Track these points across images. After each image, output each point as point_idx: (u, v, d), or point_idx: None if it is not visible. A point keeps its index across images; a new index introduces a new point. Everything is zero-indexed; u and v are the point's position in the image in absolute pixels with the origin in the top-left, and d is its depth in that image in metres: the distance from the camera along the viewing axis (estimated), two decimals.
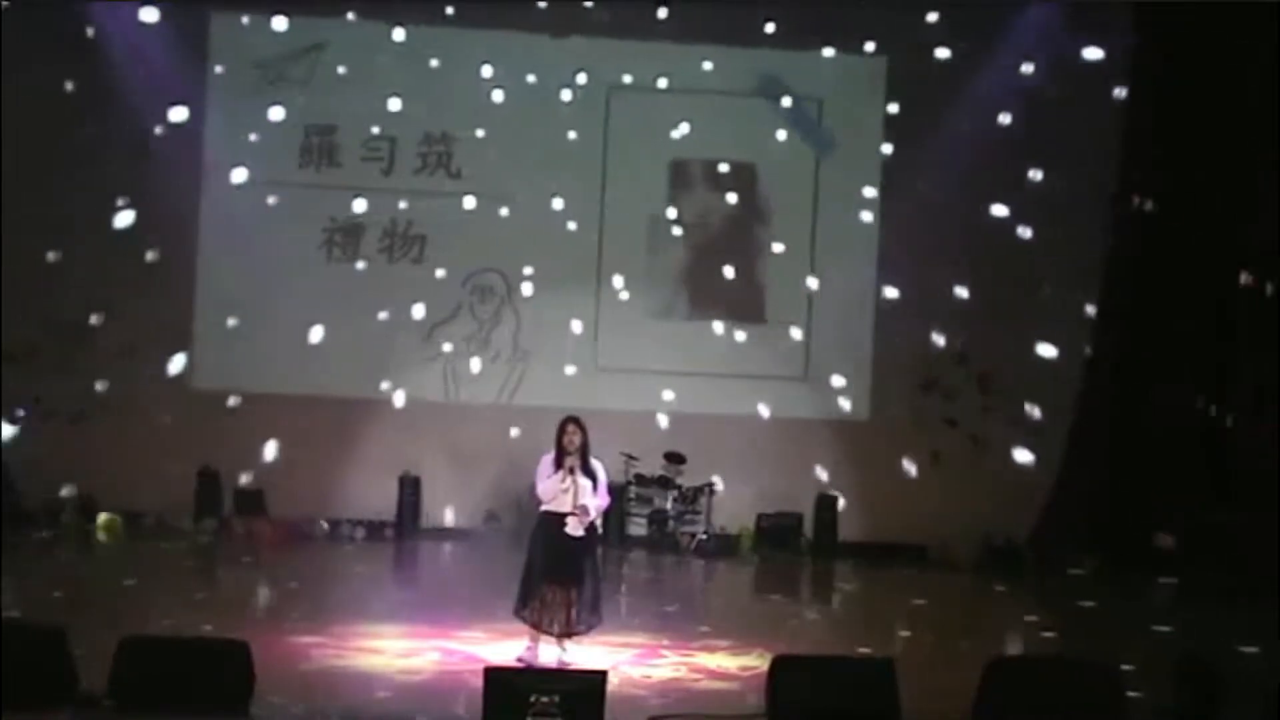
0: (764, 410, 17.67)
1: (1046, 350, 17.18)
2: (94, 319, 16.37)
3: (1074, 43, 16.91)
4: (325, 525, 16.89)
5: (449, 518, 17.37)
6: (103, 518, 16.20)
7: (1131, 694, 8.99)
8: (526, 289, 17.68)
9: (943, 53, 17.15)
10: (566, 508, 10.03)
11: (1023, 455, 17.18)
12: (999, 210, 17.09)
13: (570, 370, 17.50)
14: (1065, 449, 17.42)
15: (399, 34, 16.94)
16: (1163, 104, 16.85)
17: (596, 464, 10.25)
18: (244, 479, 16.76)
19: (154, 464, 16.34)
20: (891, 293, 17.63)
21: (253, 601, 13.08)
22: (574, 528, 10.03)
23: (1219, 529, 15.63)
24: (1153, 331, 16.90)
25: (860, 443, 17.65)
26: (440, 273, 17.58)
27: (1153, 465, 16.61)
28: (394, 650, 10.55)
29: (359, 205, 17.44)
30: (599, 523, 10.43)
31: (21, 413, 16.08)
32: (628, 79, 17.64)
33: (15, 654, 8.18)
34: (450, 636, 11.05)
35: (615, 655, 10.49)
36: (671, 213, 18.03)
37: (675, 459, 17.50)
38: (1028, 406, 17.20)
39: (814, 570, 17.01)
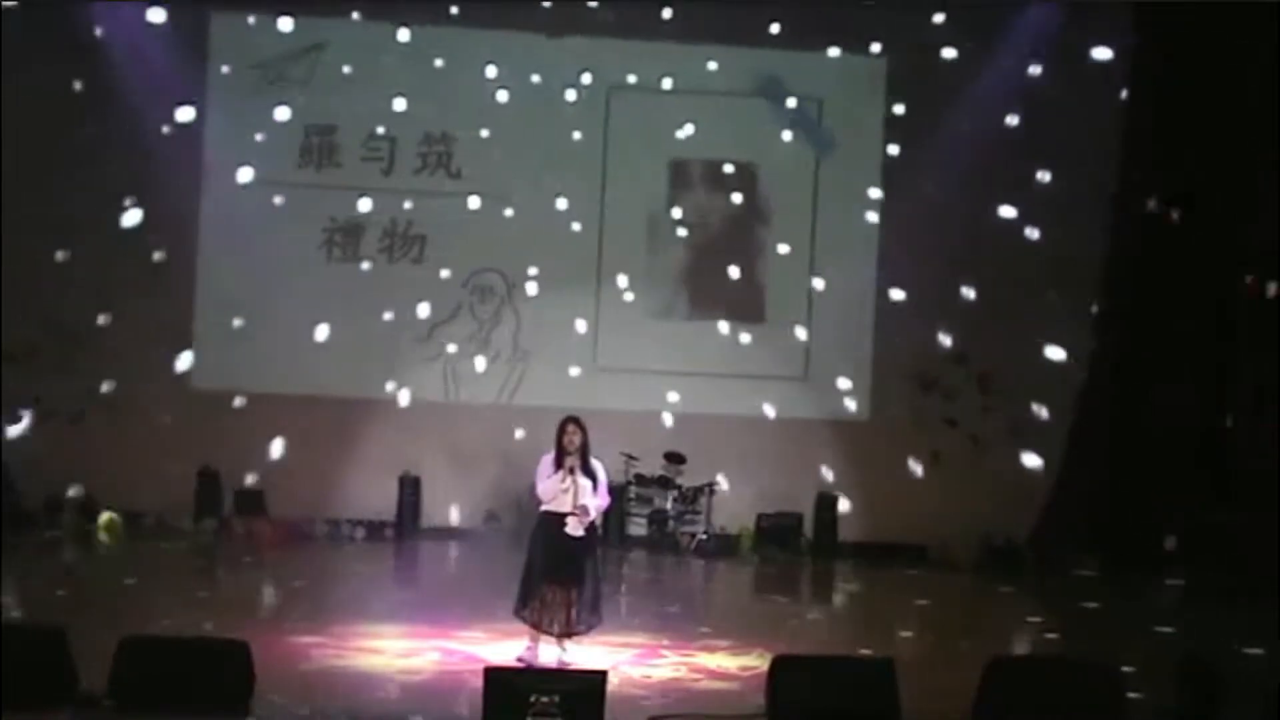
0: (764, 410, 17.66)
1: (1047, 350, 17.16)
2: (94, 319, 16.34)
3: (1074, 43, 16.90)
4: (325, 525, 16.92)
5: (449, 518, 17.37)
6: (103, 518, 16.19)
7: (1132, 695, 9.00)
8: (526, 289, 17.68)
9: (943, 53, 17.14)
10: (566, 508, 10.03)
11: (1023, 455, 17.16)
12: (999, 210, 17.08)
13: (570, 370, 17.50)
14: (1065, 449, 17.41)
15: (404, 34, 16.91)
16: (1163, 104, 16.85)
17: (596, 464, 10.25)
18: (246, 479, 16.74)
19: (154, 464, 16.35)
20: (892, 293, 17.62)
21: (253, 601, 13.07)
22: (574, 528, 10.03)
23: (1219, 529, 15.63)
24: (1153, 332, 16.91)
25: (860, 443, 17.66)
26: (440, 273, 17.58)
27: (1153, 465, 16.61)
28: (394, 650, 10.55)
29: (359, 205, 17.43)
30: (599, 523, 10.44)
31: (28, 413, 16.04)
32: (628, 79, 17.63)
33: (15, 654, 8.18)
34: (450, 636, 11.06)
35: (615, 655, 10.49)
36: (672, 213, 18.04)
37: (675, 459, 17.50)
38: (1028, 406, 17.19)
39: (814, 570, 17.01)
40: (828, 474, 17.67)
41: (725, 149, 17.95)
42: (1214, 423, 16.70)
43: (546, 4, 17.02)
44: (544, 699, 7.91)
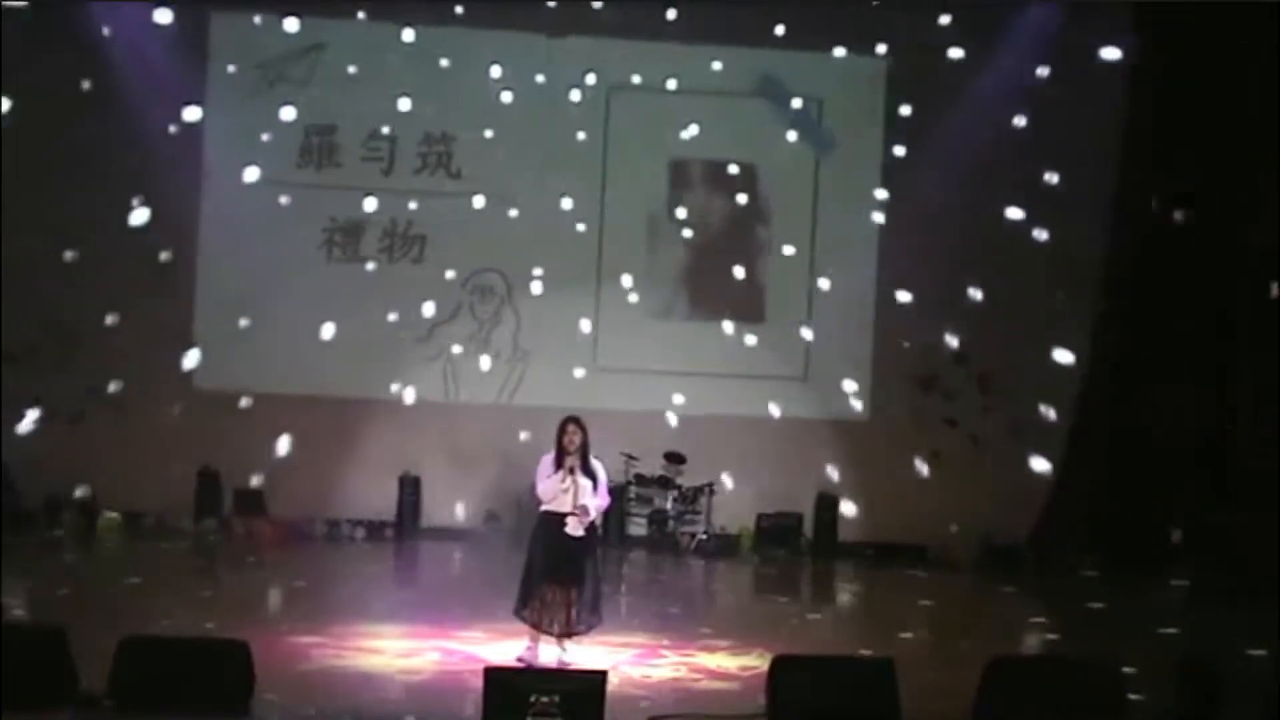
0: (764, 410, 17.65)
1: (1047, 350, 17.14)
2: (94, 319, 16.33)
3: (1074, 43, 16.88)
4: (325, 525, 16.92)
5: (449, 518, 17.35)
6: (103, 518, 16.18)
7: (1133, 697, 8.99)
8: (526, 289, 17.67)
9: (943, 53, 17.12)
10: (566, 508, 10.04)
11: (1022, 455, 17.14)
12: (999, 210, 17.06)
13: (570, 370, 17.48)
14: (1065, 449, 17.40)
15: (408, 34, 16.86)
16: (1163, 104, 16.84)
17: (596, 464, 10.26)
18: (244, 479, 16.73)
19: (154, 464, 16.35)
20: (892, 293, 17.61)
21: (253, 601, 13.06)
22: (574, 528, 10.04)
23: (1219, 529, 15.63)
24: (1153, 332, 16.90)
25: (860, 443, 17.65)
26: (440, 273, 17.57)
27: (1153, 465, 16.61)
28: (394, 650, 10.56)
29: (360, 205, 17.42)
30: (599, 523, 10.44)
31: (37, 412, 16.02)
32: (628, 79, 17.61)
33: (15, 654, 8.18)
34: (450, 636, 11.06)
35: (615, 655, 10.50)
36: (672, 213, 18.03)
37: (675, 459, 17.50)
38: (1028, 406, 17.18)
39: (814, 570, 17.02)
40: (828, 474, 17.67)
41: (725, 149, 17.93)
42: (1214, 422, 16.70)
43: (552, 4, 16.98)
44: (544, 699, 7.92)
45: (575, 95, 17.36)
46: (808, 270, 17.99)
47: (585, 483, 10.07)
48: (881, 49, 17.57)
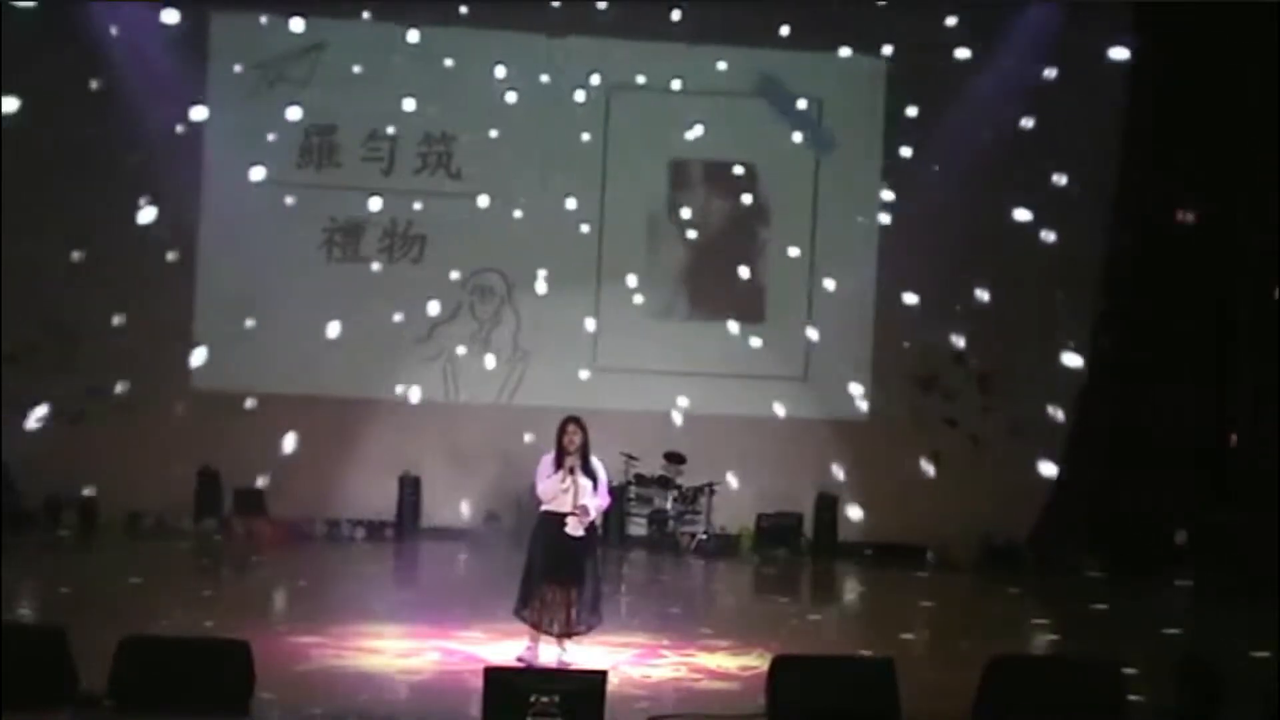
0: (764, 410, 17.65)
1: (1047, 350, 17.15)
2: (94, 319, 16.33)
3: (1074, 43, 16.88)
4: (325, 525, 16.92)
5: (449, 518, 17.35)
6: (103, 518, 16.19)
7: (1133, 698, 8.99)
8: (526, 289, 17.67)
9: (942, 53, 17.12)
10: (566, 508, 10.03)
11: (1022, 455, 17.15)
12: (999, 211, 17.06)
13: (570, 370, 17.48)
14: (1065, 449, 17.40)
15: (413, 35, 16.83)
16: (1163, 104, 16.84)
17: (597, 464, 10.25)
18: (244, 479, 16.73)
19: (154, 464, 16.34)
20: (892, 293, 17.62)
21: (253, 601, 13.06)
22: (574, 528, 10.03)
23: (1219, 529, 15.64)
24: (1153, 332, 16.90)
25: (860, 443, 17.65)
26: (440, 273, 17.57)
27: (1153, 465, 16.60)
28: (394, 650, 10.55)
29: (360, 205, 17.42)
30: (599, 523, 10.44)
31: (44, 409, 16.02)
32: (628, 79, 17.61)
33: (15, 654, 8.18)
34: (450, 636, 11.06)
35: (615, 655, 10.50)
36: (672, 213, 18.04)
37: (675, 459, 17.50)
38: (1028, 406, 17.18)
39: (814, 570, 17.01)
40: (828, 474, 17.66)
41: (725, 149, 17.93)
42: (1214, 422, 16.70)
43: (556, 3, 16.97)
44: (544, 699, 7.92)
45: (580, 96, 17.34)
46: (808, 270, 17.99)
47: (585, 483, 10.07)
48: (880, 49, 17.54)
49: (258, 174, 16.72)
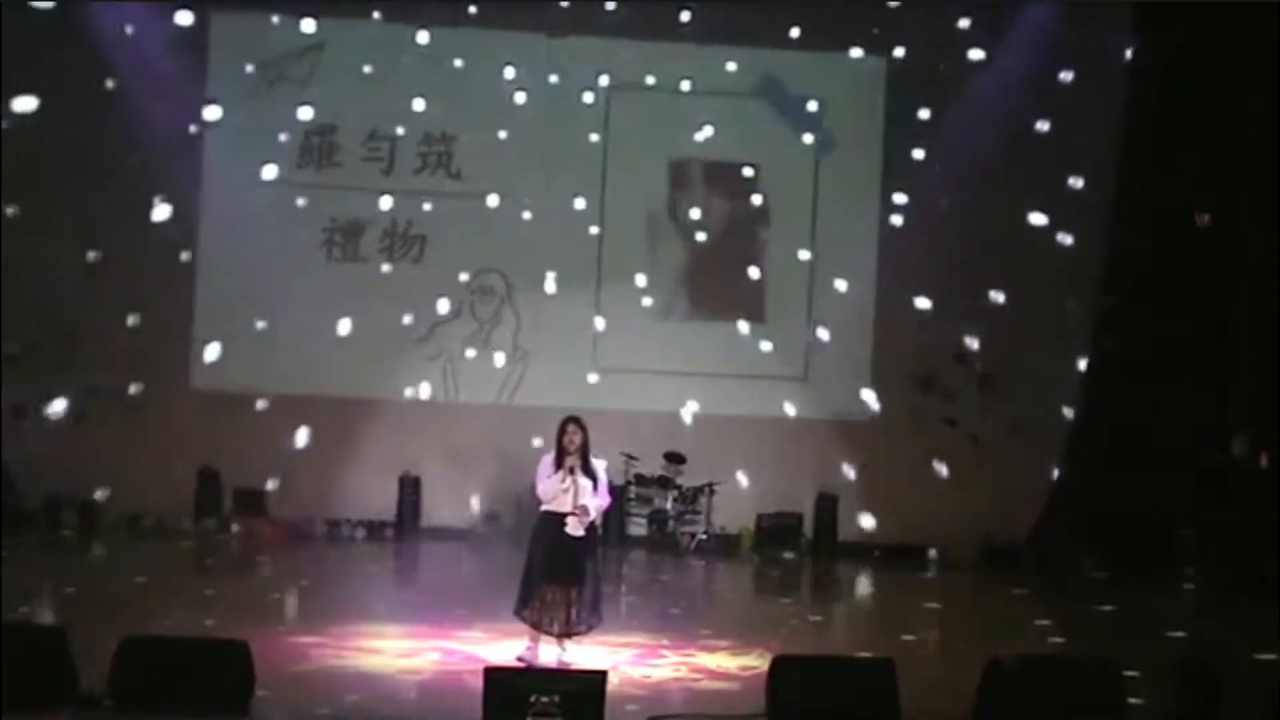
0: (764, 410, 17.65)
1: (1047, 350, 17.16)
2: (95, 319, 16.33)
3: (1075, 43, 16.88)
4: (325, 525, 16.92)
5: (449, 518, 17.35)
6: (103, 518, 16.18)
7: (1133, 699, 8.99)
8: (526, 289, 17.67)
9: (943, 53, 17.12)
10: (567, 508, 10.03)
11: (1023, 455, 17.15)
12: (999, 210, 17.07)
13: (570, 370, 17.48)
14: (1065, 449, 17.41)
15: (423, 37, 16.74)
16: (1163, 104, 16.84)
17: (597, 464, 10.24)
18: (244, 479, 16.74)
19: (154, 464, 16.34)
20: (892, 293, 17.61)
21: (253, 601, 13.04)
22: (574, 528, 10.03)
23: (1219, 529, 15.63)
24: (1153, 332, 16.89)
25: (860, 443, 17.65)
26: (440, 273, 17.57)
27: (1153, 465, 16.60)
28: (394, 650, 10.55)
29: (360, 205, 17.42)
30: (599, 523, 10.43)
31: (45, 410, 16.00)
32: (627, 79, 17.60)
33: (15, 654, 8.17)
34: (450, 636, 11.05)
35: (615, 655, 10.49)
36: (672, 213, 18.04)
37: (675, 459, 17.50)
38: (1028, 406, 17.18)
39: (814, 570, 17.01)
40: (828, 474, 17.66)
41: (725, 149, 17.93)
42: (1214, 422, 16.69)
43: (565, 3, 16.95)
44: (544, 699, 7.91)
45: (589, 97, 17.35)
46: (808, 270, 17.99)
47: (585, 483, 10.06)
48: (880, 49, 17.55)
49: (258, 174, 16.70)
